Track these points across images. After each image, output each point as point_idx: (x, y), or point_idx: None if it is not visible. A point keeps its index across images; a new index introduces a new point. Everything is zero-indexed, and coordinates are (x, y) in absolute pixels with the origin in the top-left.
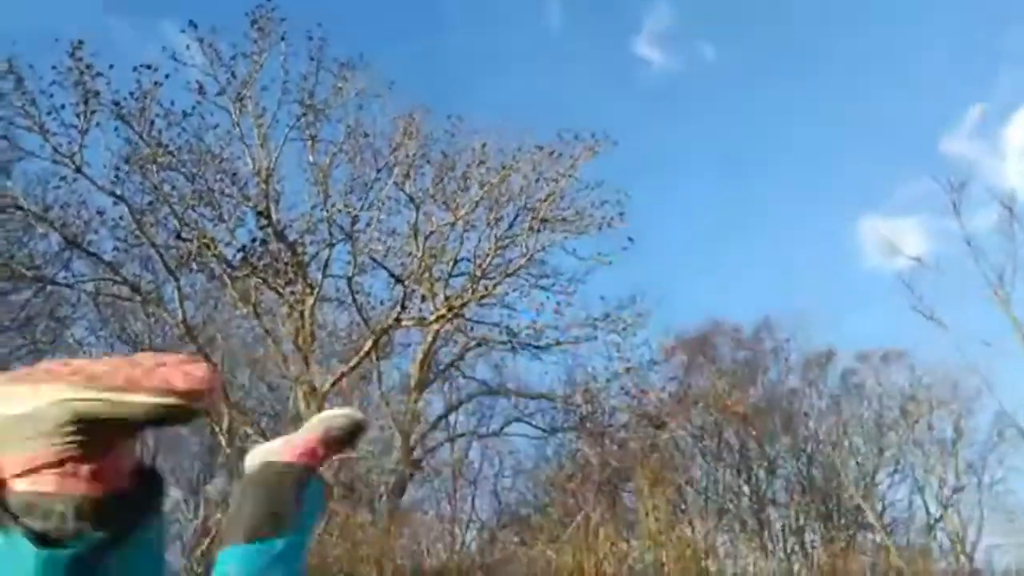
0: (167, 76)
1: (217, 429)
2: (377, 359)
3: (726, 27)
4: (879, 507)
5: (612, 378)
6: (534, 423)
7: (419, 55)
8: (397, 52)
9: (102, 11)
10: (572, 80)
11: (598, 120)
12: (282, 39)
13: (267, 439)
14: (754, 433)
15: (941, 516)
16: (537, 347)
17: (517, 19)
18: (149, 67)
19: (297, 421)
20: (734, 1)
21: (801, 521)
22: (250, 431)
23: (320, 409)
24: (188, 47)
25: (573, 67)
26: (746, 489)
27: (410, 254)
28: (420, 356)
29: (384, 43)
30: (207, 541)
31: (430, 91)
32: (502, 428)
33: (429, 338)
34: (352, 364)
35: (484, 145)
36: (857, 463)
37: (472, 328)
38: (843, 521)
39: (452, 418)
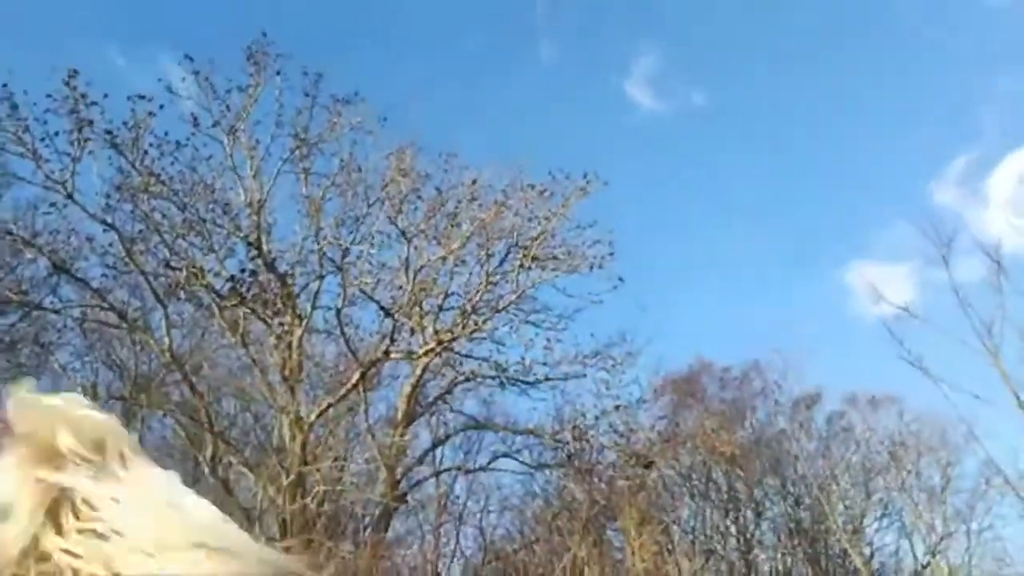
0: (161, 107)
1: (201, 459)
2: (364, 391)
3: (714, 73)
4: (867, 552)
5: (601, 415)
6: (521, 459)
7: (409, 91)
8: (388, 88)
9: (98, 41)
10: (561, 120)
11: (587, 161)
12: (277, 74)
13: (251, 470)
14: (742, 474)
15: (929, 563)
16: (526, 383)
17: (509, 60)
18: (143, 97)
19: (281, 451)
20: (722, 48)
21: (788, 564)
22: (234, 461)
23: (305, 441)
24: (184, 79)
25: (562, 107)
26: (733, 530)
27: (400, 288)
28: (408, 389)
29: (376, 79)
30: None
31: (421, 126)
32: (489, 463)
33: (417, 371)
34: (339, 396)
35: (475, 181)
36: (845, 507)
37: (461, 363)
38: (830, 566)
39: (438, 452)
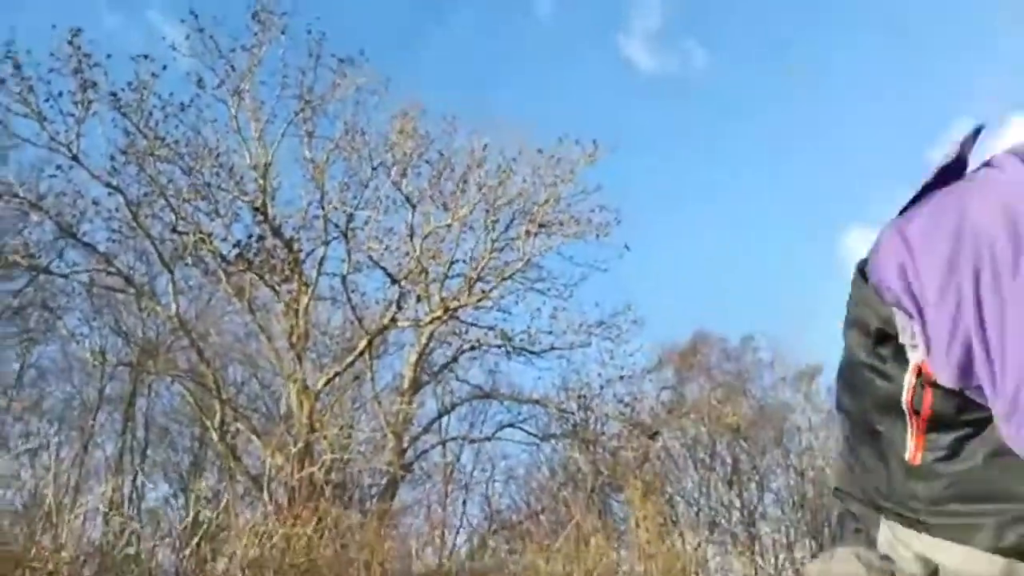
0: (164, 67)
1: (209, 424)
2: (371, 359)
3: (716, 31)
4: None
5: (606, 385)
6: (527, 429)
7: (410, 52)
8: (389, 49)
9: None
10: (562, 80)
11: (585, 121)
12: (282, 33)
13: (259, 437)
14: (745, 446)
15: None
16: (531, 352)
17: (506, 16)
18: (146, 57)
19: (289, 419)
20: (723, 8)
21: (792, 536)
22: (242, 428)
23: (312, 409)
24: (188, 37)
25: (562, 66)
26: (737, 502)
27: (407, 254)
28: (414, 357)
29: (376, 40)
30: (196, 538)
31: (421, 88)
32: (494, 433)
33: (423, 340)
34: (346, 364)
35: (485, 146)
36: None
37: (467, 331)
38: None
39: (444, 421)
